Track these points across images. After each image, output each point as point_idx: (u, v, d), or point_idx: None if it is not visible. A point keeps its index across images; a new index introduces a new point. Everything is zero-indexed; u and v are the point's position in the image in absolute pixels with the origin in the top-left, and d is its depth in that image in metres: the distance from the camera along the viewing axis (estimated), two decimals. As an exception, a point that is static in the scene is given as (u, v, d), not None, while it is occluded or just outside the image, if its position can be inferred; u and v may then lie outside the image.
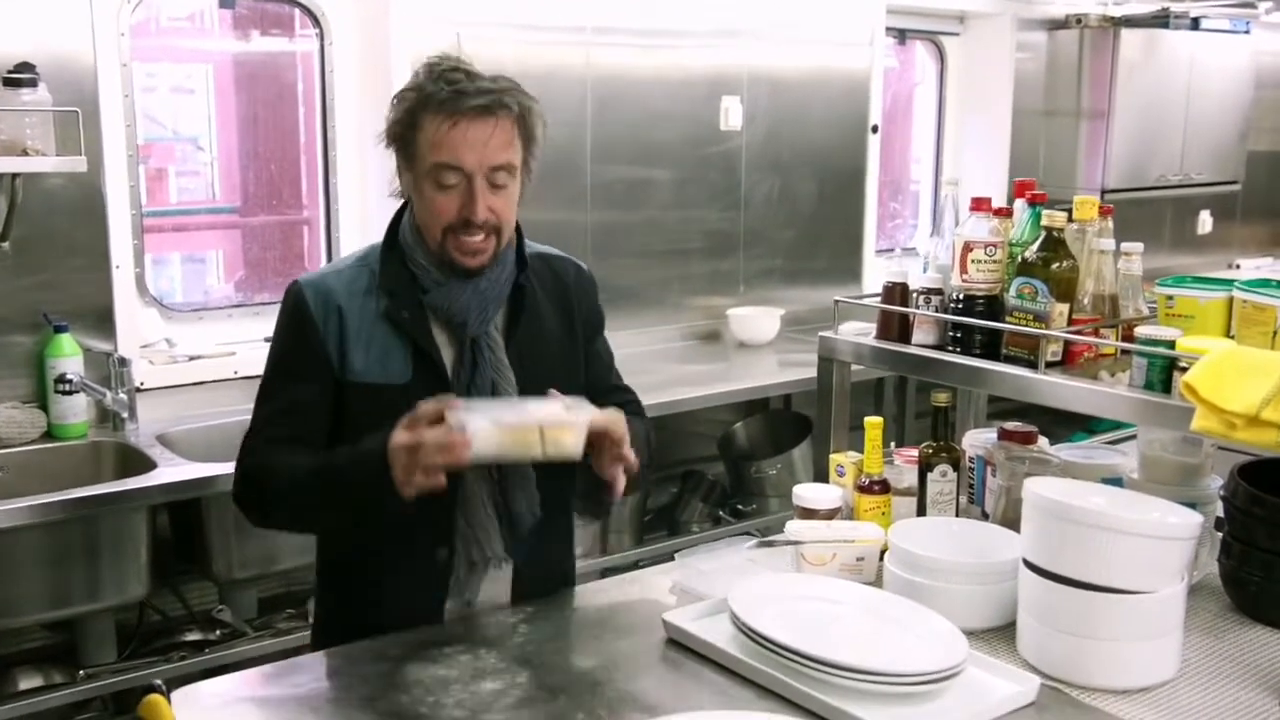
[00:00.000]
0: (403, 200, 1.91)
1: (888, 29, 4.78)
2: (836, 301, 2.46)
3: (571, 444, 1.65)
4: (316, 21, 3.62)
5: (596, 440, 1.71)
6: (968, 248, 2.16)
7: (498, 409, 1.67)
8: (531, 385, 1.83)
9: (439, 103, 1.77)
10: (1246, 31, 5.60)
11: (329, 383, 1.82)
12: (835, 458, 2.21)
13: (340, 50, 3.64)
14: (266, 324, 3.61)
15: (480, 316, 1.84)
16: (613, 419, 1.73)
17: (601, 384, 1.97)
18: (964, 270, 2.16)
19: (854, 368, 2.42)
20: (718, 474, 4.15)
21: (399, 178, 1.88)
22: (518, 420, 1.63)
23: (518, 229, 1.92)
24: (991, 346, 2.16)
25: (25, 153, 2.83)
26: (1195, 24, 5.31)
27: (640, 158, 4.12)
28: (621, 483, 1.76)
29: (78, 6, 2.99)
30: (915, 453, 2.16)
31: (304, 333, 1.84)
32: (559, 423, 1.64)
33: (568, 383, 1.85)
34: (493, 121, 1.77)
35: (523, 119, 1.83)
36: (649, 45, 4.10)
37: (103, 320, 3.13)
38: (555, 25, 3.87)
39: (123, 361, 3.10)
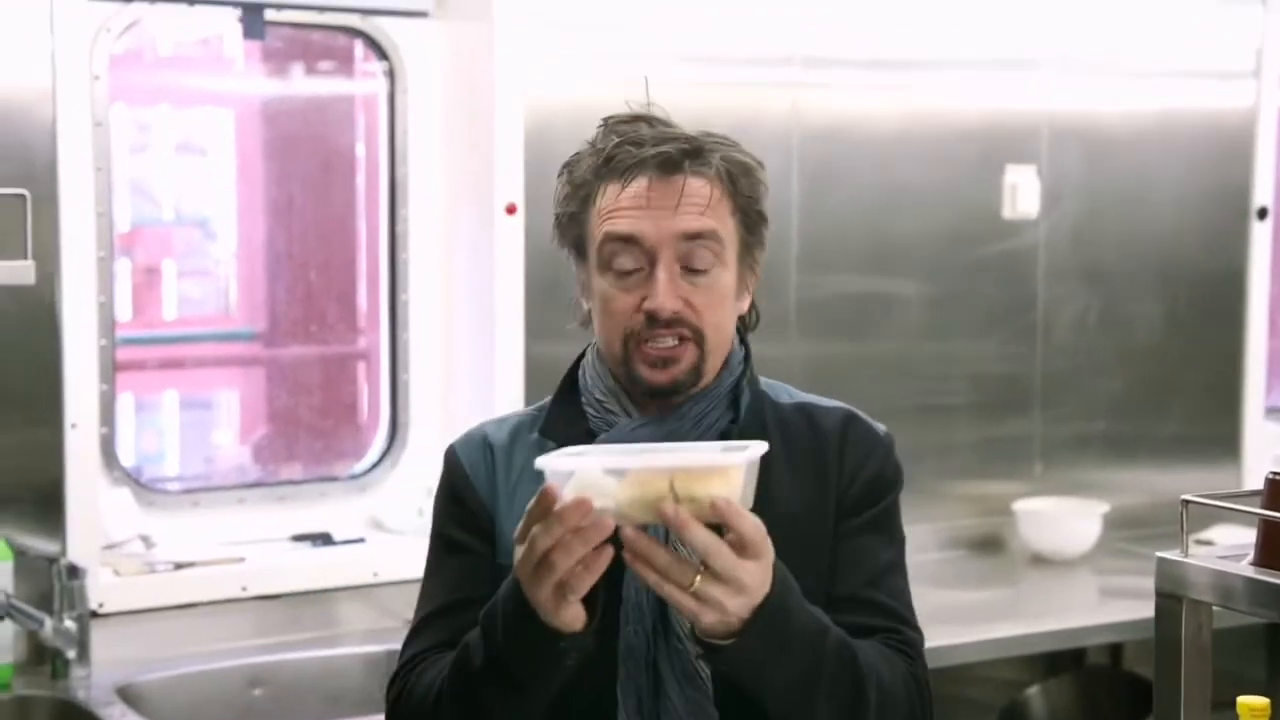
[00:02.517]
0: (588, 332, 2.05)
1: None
2: (1185, 502, 2.34)
3: (718, 497, 1.64)
4: (384, 55, 3.71)
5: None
6: None
7: (621, 453, 1.75)
8: None
9: (607, 161, 1.93)
10: None
11: (489, 551, 1.99)
12: (1192, 763, 2.11)
13: (419, 101, 3.72)
14: (295, 515, 3.66)
15: None
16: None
17: (844, 588, 1.94)
18: None
19: (1216, 609, 2.29)
20: (1000, 768, 4.05)
21: (578, 287, 2.03)
22: (640, 464, 1.68)
23: (746, 355, 2.03)
24: None
25: (-55, 255, 2.93)
26: None
27: (874, 260, 4.10)
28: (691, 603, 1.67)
29: (31, 32, 3.10)
30: (1332, 761, 2.04)
31: (459, 493, 2.02)
32: (700, 468, 1.67)
33: (809, 585, 1.83)
34: (680, 180, 1.90)
35: (732, 181, 1.93)
36: (888, 85, 4.10)
37: (47, 507, 3.17)
38: (745, 57, 3.90)
39: (73, 571, 3.12)
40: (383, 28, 3.68)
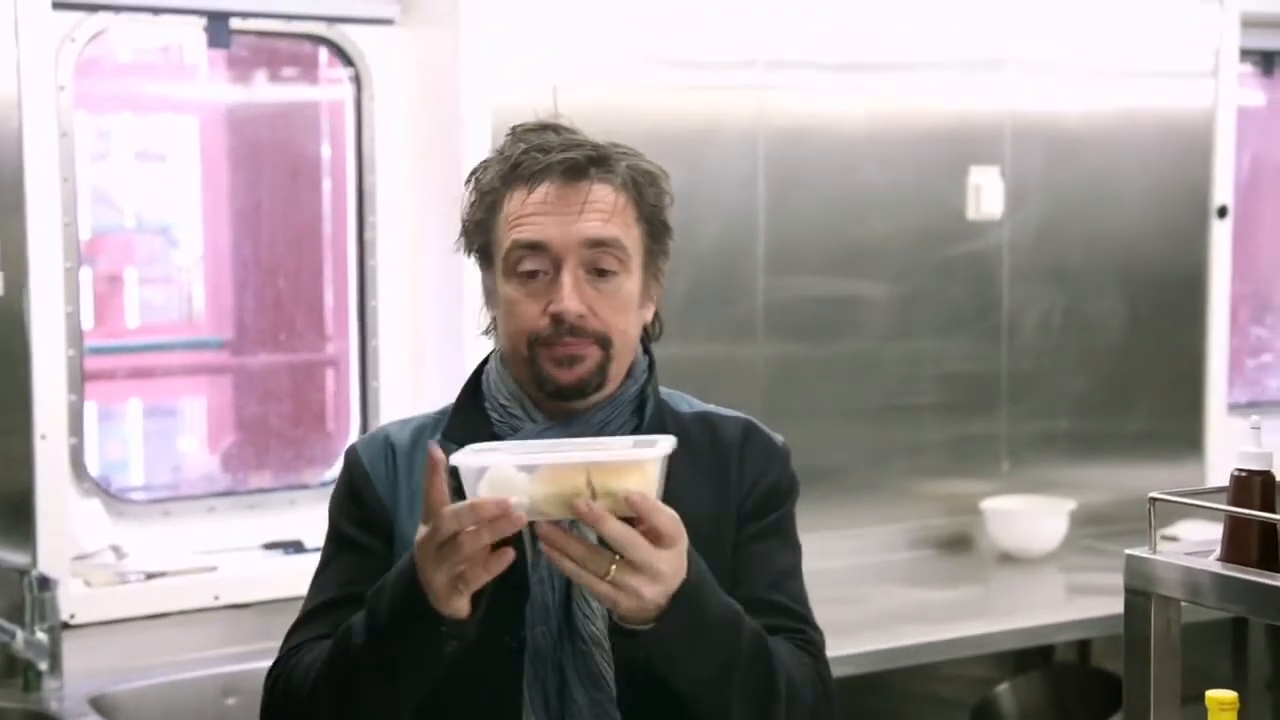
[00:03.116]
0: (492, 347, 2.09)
1: (1243, 52, 4.73)
2: (1153, 499, 2.36)
3: (633, 491, 1.69)
4: (349, 61, 3.71)
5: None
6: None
7: (533, 450, 1.78)
8: None
9: (514, 168, 1.96)
10: None
11: (385, 550, 2.01)
12: (1161, 758, 2.13)
13: (386, 107, 3.72)
14: (266, 523, 3.66)
15: None
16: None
17: (745, 591, 1.97)
18: (1377, 456, 2.06)
19: (1185, 604, 2.31)
20: (970, 765, 4.07)
21: (483, 295, 2.06)
22: (555, 460, 1.71)
23: (650, 364, 2.07)
24: None
25: (-87, 267, 2.93)
26: None
27: (840, 262, 4.12)
28: (611, 593, 1.72)
29: (-5, 43, 3.13)
30: (1301, 755, 2.05)
31: (358, 491, 2.04)
32: (617, 464, 1.70)
33: None
34: (586, 186, 1.94)
35: (637, 189, 1.98)
36: (853, 88, 4.11)
37: (16, 518, 3.17)
38: (710, 60, 3.92)
39: (44, 583, 3.12)
40: (348, 35, 3.69)
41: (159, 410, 4.37)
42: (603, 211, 1.94)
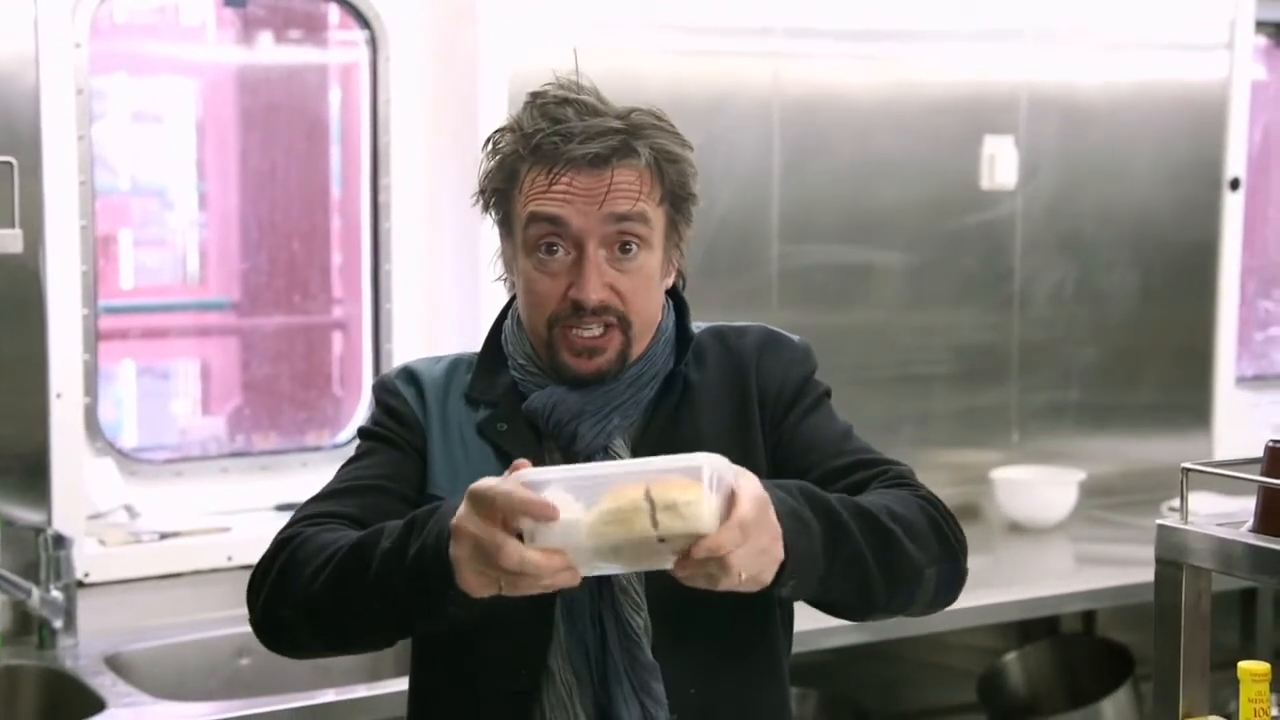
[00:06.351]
0: (510, 296, 2.09)
1: (1258, 24, 4.73)
2: (1186, 470, 2.37)
3: (694, 512, 1.61)
4: (366, 23, 3.70)
5: None
6: None
7: (587, 472, 1.69)
8: None
9: (534, 149, 1.93)
10: None
11: (419, 469, 2.02)
12: (1190, 726, 2.12)
13: (402, 68, 3.72)
14: (278, 484, 3.66)
15: (598, 428, 1.98)
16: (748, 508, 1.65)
17: (815, 469, 1.98)
18: (1406, 427, 2.07)
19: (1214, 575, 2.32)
20: (976, 734, 4.09)
21: (502, 260, 2.07)
22: (615, 480, 1.63)
23: (680, 306, 2.08)
24: None
25: (-69, 224, 2.92)
26: None
27: (854, 231, 4.13)
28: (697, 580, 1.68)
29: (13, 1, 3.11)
30: (1322, 721, 2.06)
31: (397, 412, 2.05)
32: (676, 480, 1.62)
33: None
34: (608, 174, 1.92)
35: (660, 169, 1.95)
36: (869, 56, 4.13)
37: (31, 477, 3.18)
38: (727, 27, 3.93)
39: (59, 541, 3.13)
40: (367, -2, 3.69)
41: (163, 372, 4.37)
42: (627, 195, 1.92)
